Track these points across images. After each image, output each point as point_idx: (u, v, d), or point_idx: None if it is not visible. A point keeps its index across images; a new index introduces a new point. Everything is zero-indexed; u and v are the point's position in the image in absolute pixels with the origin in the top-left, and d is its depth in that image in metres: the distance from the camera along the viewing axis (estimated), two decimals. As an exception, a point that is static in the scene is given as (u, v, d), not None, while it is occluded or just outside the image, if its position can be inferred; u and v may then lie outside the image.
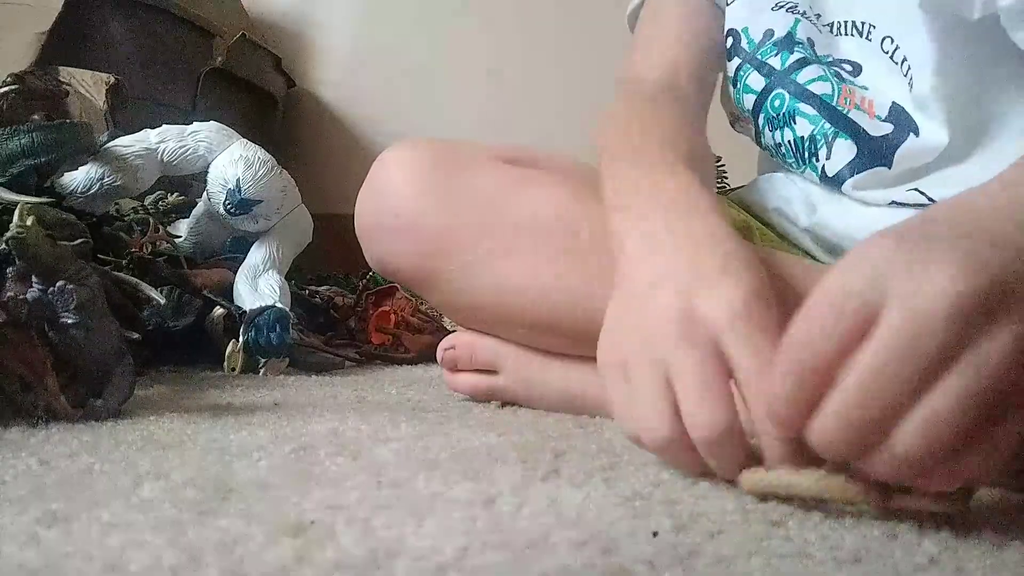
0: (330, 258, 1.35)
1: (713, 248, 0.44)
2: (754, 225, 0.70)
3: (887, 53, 0.61)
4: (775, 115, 0.67)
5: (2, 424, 0.54)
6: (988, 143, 0.58)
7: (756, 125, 0.70)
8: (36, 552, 0.30)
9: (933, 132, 0.58)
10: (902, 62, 0.60)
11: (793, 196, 0.68)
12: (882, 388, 0.32)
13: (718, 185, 1.01)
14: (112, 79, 1.10)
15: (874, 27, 0.61)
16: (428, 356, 1.02)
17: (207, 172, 0.96)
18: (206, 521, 0.34)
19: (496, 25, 1.71)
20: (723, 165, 1.12)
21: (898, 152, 0.60)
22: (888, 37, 0.60)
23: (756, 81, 0.68)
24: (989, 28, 0.54)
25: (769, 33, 0.67)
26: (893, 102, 0.60)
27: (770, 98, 0.67)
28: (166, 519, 0.34)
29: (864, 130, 0.62)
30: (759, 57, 0.68)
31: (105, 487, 0.40)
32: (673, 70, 0.70)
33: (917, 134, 0.59)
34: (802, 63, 0.66)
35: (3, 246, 0.57)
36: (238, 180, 0.94)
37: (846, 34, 0.64)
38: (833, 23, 0.64)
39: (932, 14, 0.56)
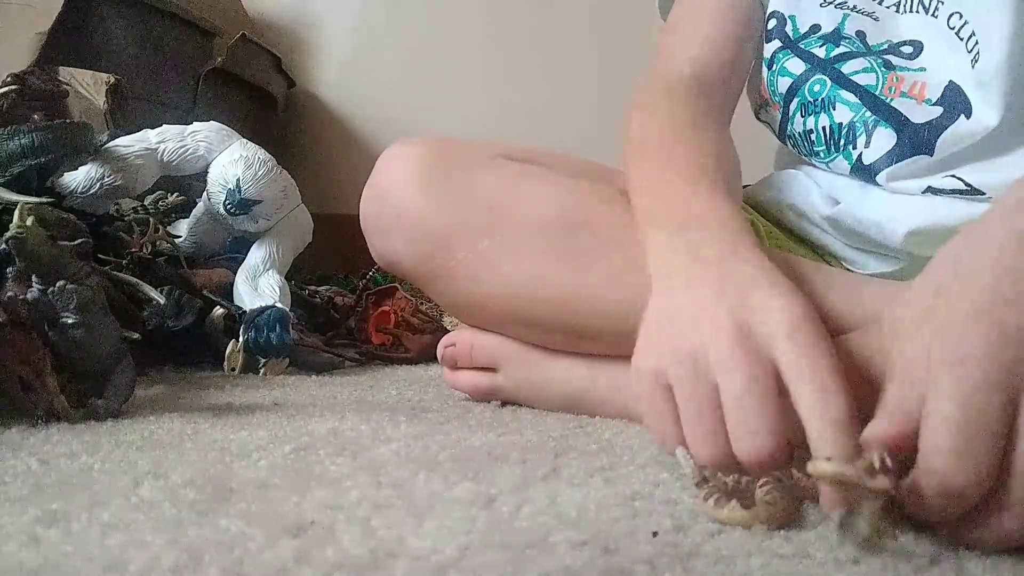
0: (330, 258, 1.35)
1: (759, 265, 0.44)
2: (760, 224, 0.70)
3: (953, 29, 0.60)
4: (812, 100, 0.66)
5: (2, 424, 0.54)
6: None
7: (785, 111, 0.68)
8: (36, 552, 0.30)
9: (985, 112, 0.58)
10: (968, 38, 0.59)
11: (812, 192, 0.68)
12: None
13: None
14: (112, 79, 1.10)
15: (942, 3, 0.61)
16: (428, 356, 1.02)
17: (207, 172, 0.96)
18: (206, 521, 0.34)
19: (497, 24, 1.71)
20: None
21: (942, 136, 0.59)
22: (957, 13, 0.60)
23: (795, 66, 0.67)
24: None
25: (815, 28, 0.67)
26: (950, 81, 0.60)
27: (809, 83, 0.66)
28: (166, 519, 0.35)
29: (907, 118, 0.61)
30: (802, 46, 0.67)
31: (105, 487, 0.40)
32: (706, 63, 0.69)
33: (968, 115, 0.58)
34: (848, 56, 0.65)
35: (3, 246, 0.57)
36: (238, 180, 0.94)
37: (911, 11, 0.63)
38: (900, 1, 0.64)
39: None
